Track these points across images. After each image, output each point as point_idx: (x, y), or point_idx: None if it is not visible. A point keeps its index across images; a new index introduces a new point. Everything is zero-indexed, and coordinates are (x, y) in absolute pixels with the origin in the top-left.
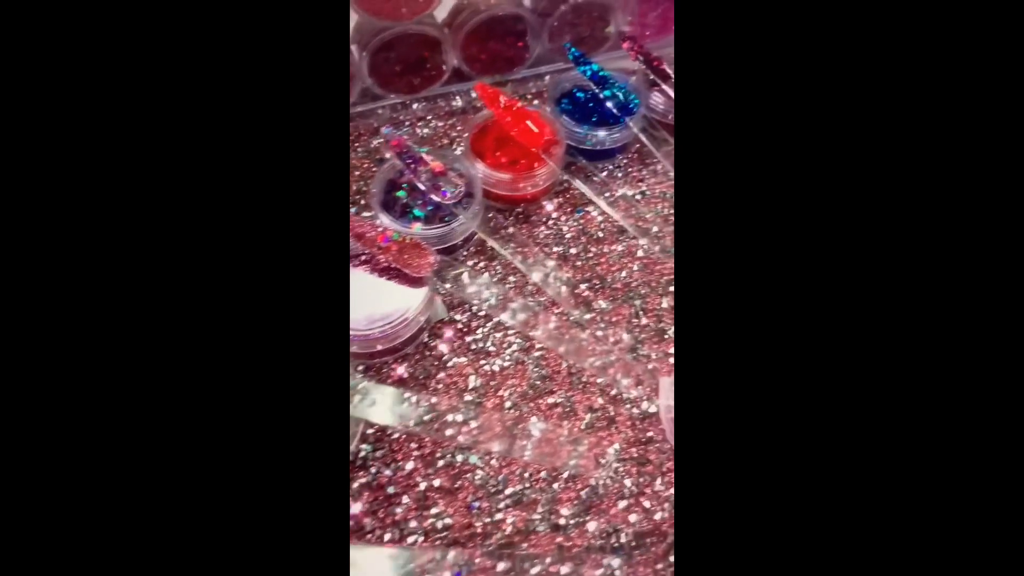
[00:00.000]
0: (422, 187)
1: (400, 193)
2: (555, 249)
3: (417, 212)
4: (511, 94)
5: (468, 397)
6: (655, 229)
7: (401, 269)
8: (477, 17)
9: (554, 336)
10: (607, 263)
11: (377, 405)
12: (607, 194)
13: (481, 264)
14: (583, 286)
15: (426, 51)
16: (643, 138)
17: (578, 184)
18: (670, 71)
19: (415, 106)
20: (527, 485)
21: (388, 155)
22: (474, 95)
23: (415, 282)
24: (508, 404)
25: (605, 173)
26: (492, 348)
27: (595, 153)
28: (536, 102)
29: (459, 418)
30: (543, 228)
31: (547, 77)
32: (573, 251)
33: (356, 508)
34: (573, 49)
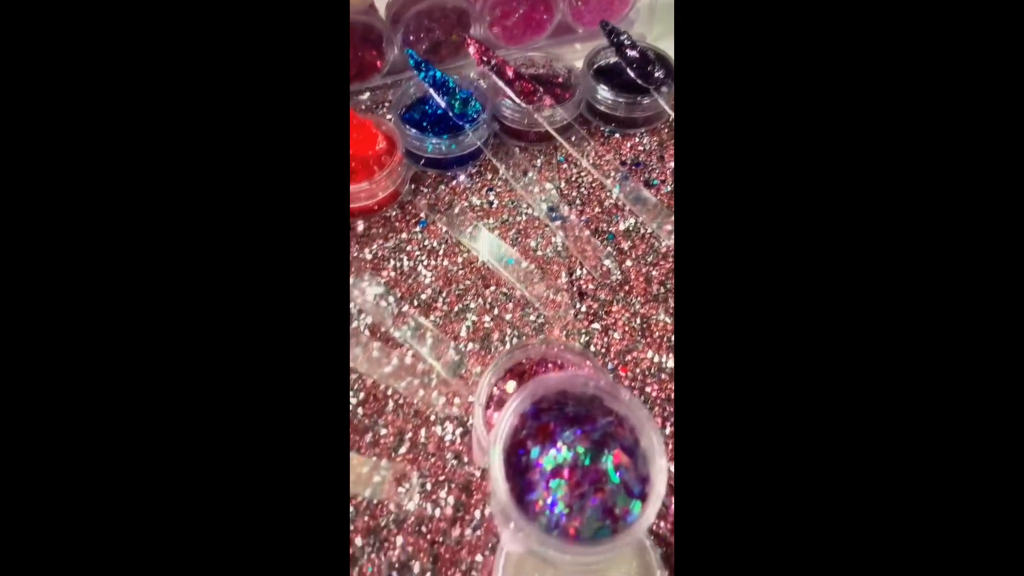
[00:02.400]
0: None
1: None
2: (391, 263)
3: None
4: (352, 96)
5: None
6: (491, 243)
7: None
8: None
9: (372, 361)
10: (445, 276)
11: None
12: (461, 201)
13: None
14: (415, 302)
15: None
16: (482, 147)
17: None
18: (514, 75)
19: None
20: None
21: None
22: None
23: None
24: None
25: (453, 181)
26: None
27: (439, 162)
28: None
29: None
30: (378, 243)
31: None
32: (410, 265)
33: None
34: (413, 54)
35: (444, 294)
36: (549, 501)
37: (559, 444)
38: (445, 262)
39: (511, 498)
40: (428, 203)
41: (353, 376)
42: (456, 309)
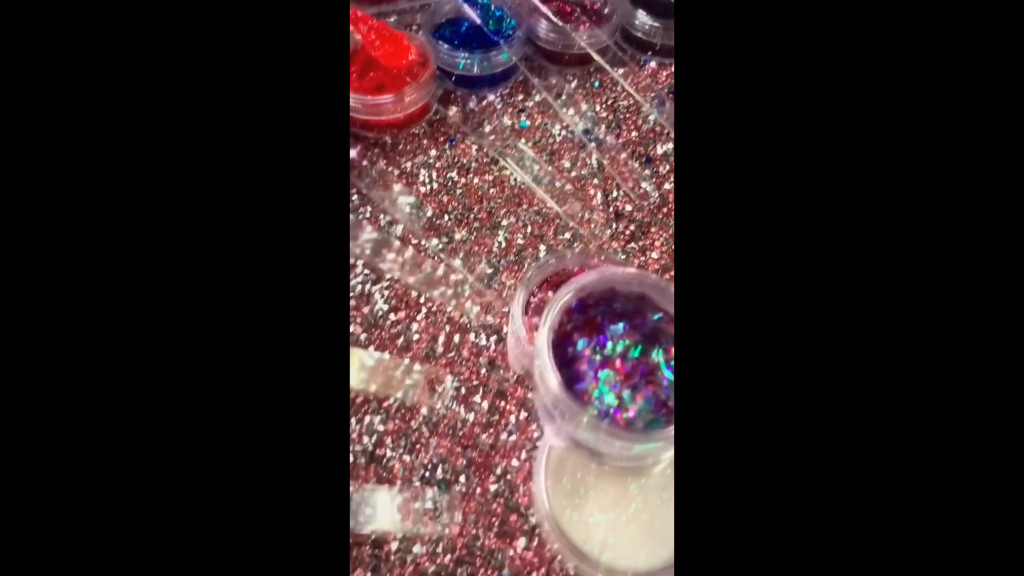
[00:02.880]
0: None
1: None
2: (423, 177)
3: None
4: (379, 18)
5: None
6: (529, 160)
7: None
8: None
9: (407, 266)
10: (475, 193)
11: None
12: (485, 123)
13: None
14: (446, 216)
15: None
16: (521, 66)
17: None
18: None
19: None
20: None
21: None
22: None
23: None
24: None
25: (484, 101)
26: None
27: (471, 80)
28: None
29: None
30: (409, 159)
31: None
32: (439, 182)
33: None
34: None
35: (475, 210)
36: (598, 391)
37: (608, 336)
38: (476, 180)
39: (560, 385)
40: (457, 120)
41: (385, 282)
42: (488, 226)
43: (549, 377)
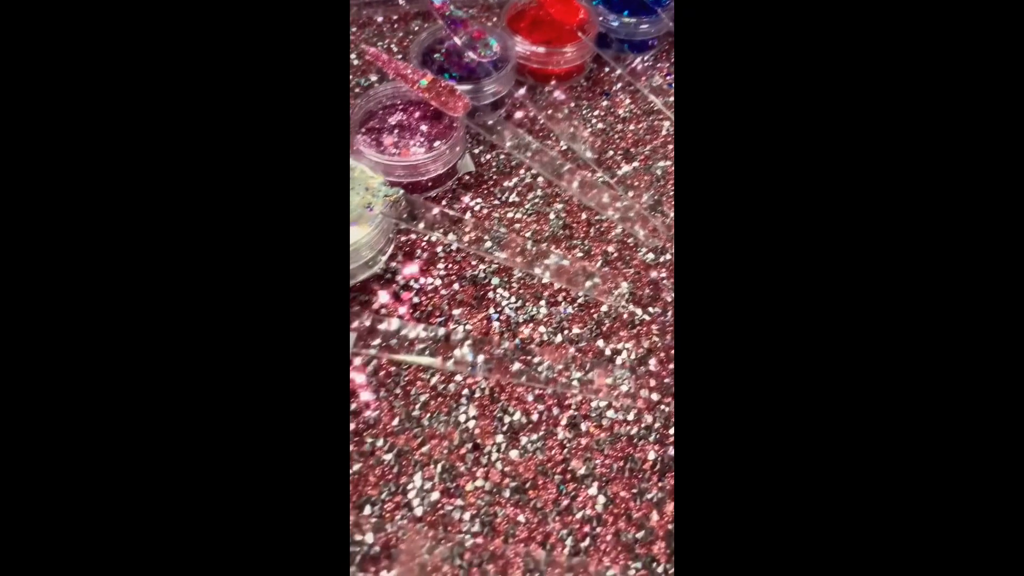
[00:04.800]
0: (460, 46)
1: (436, 56)
2: (586, 121)
3: (452, 74)
4: None
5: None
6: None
7: (435, 105)
8: None
9: (578, 191)
10: (632, 137)
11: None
12: (641, 81)
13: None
14: (608, 153)
15: None
16: (673, 29)
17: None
18: None
19: None
20: (542, 306)
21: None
22: None
23: (452, 121)
24: (529, 244)
25: (638, 61)
26: (516, 199)
27: (628, 42)
28: None
29: (487, 245)
30: (570, 104)
31: None
32: (600, 126)
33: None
34: None
35: (635, 151)
36: None
37: None
38: (632, 126)
39: None
40: (623, 72)
41: (559, 204)
42: (645, 166)
43: None
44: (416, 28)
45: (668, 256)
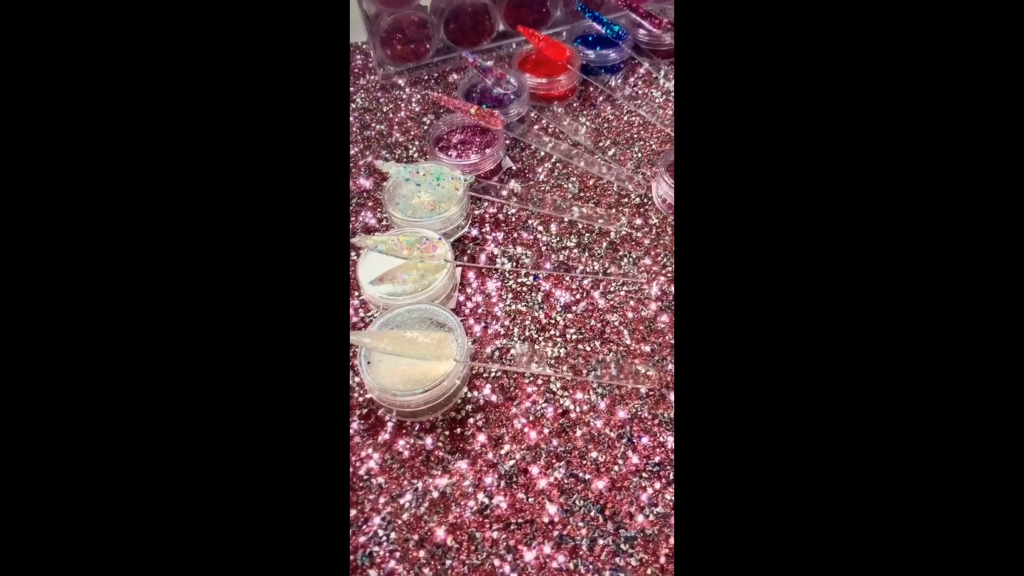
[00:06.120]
0: (490, 85)
1: (474, 94)
2: (582, 124)
3: (487, 104)
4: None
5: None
6: (645, 111)
7: (482, 125)
8: None
9: (585, 167)
10: (616, 130)
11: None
12: (616, 93)
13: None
14: (601, 142)
15: (482, 17)
16: (633, 53)
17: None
18: (648, 11)
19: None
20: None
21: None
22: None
23: (494, 131)
24: (560, 202)
25: (611, 79)
26: (544, 178)
27: (603, 67)
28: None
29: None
30: (570, 115)
31: (563, 33)
32: (592, 126)
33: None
34: (580, 4)
35: (618, 140)
36: None
37: None
38: (614, 124)
39: None
40: (609, 87)
41: (575, 177)
42: (626, 147)
43: None
44: (453, 80)
45: (648, 200)
